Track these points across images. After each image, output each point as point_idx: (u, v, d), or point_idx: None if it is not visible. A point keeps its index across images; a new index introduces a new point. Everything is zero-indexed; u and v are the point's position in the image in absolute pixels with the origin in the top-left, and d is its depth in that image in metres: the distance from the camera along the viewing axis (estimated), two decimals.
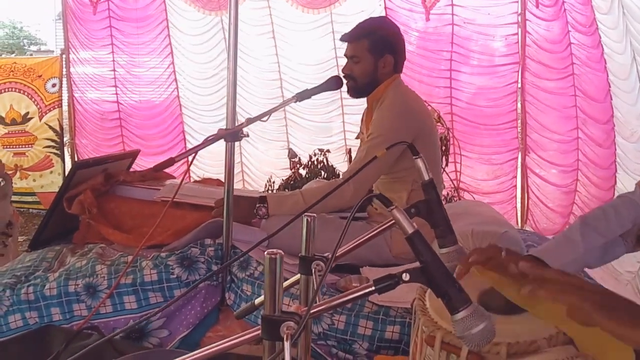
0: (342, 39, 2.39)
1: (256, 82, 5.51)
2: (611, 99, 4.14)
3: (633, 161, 3.93)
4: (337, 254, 1.01)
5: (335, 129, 5.54)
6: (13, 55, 11.26)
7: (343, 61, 2.42)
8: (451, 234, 1.20)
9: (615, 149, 4.16)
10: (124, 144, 5.63)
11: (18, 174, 5.54)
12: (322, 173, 4.41)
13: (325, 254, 1.17)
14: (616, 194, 4.13)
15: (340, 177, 2.45)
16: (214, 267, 2.10)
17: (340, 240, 0.93)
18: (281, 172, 5.23)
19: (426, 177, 1.19)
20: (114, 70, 5.54)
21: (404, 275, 0.90)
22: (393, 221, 1.15)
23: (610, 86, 4.11)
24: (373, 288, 0.91)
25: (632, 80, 3.77)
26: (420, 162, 1.19)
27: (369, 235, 1.19)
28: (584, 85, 4.40)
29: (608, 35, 3.97)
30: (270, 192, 4.45)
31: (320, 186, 2.37)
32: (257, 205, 2.24)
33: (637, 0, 3.42)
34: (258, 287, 2.01)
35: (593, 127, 4.40)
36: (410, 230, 0.92)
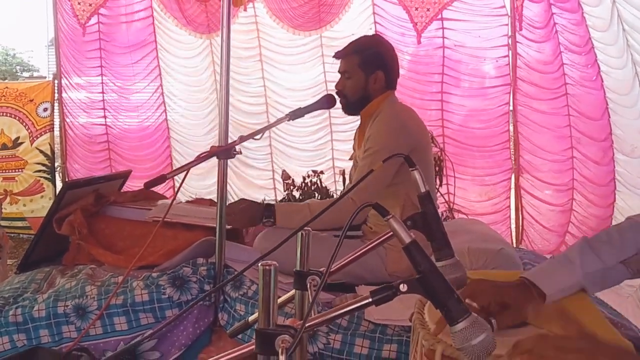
0: (335, 55, 2.41)
1: (242, 106, 5.47)
2: (609, 116, 4.15)
3: (635, 176, 3.93)
4: (332, 269, 0.99)
5: (326, 155, 5.49)
6: (5, 81, 11.24)
7: (333, 86, 2.43)
8: (448, 247, 1.18)
9: (614, 166, 4.17)
10: (111, 167, 5.57)
11: (8, 198, 5.49)
12: (316, 195, 4.38)
13: (321, 269, 1.15)
14: (615, 211, 4.14)
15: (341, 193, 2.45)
16: (207, 287, 2.07)
17: (336, 252, 0.91)
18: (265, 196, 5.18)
19: (422, 189, 1.17)
20: (103, 93, 5.52)
21: (401, 285, 0.89)
22: (390, 233, 1.15)
23: (607, 104, 4.13)
24: (370, 300, 0.89)
25: (634, 94, 3.78)
26: (416, 174, 1.17)
27: (366, 249, 1.16)
28: (579, 105, 4.42)
29: (606, 52, 3.99)
30: None
31: (327, 201, 2.35)
32: (264, 221, 2.22)
33: (637, 12, 3.46)
34: (252, 307, 1.98)
35: (589, 145, 4.40)
36: (407, 240, 0.91)
